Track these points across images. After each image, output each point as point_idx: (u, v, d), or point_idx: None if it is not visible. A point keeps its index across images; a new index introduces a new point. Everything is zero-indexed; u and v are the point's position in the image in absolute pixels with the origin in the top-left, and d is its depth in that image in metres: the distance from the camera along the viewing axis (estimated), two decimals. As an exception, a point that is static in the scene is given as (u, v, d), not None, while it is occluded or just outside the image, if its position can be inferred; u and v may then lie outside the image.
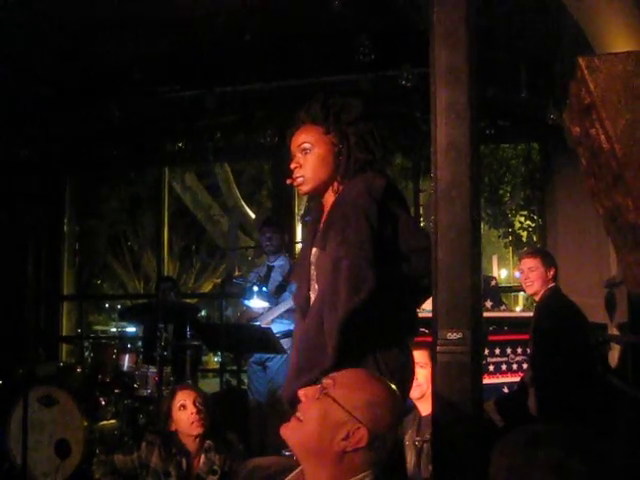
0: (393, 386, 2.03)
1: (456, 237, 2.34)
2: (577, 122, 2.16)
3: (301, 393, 2.00)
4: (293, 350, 2.69)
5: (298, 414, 1.96)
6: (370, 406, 1.90)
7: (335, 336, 2.37)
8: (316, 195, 2.83)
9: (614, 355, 6.12)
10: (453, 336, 2.31)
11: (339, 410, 1.88)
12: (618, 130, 1.91)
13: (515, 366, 5.38)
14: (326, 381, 1.97)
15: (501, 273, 16.03)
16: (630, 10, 4.18)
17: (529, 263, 4.92)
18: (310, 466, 1.93)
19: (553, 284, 4.86)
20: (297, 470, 2.03)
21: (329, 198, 2.75)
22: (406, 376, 2.57)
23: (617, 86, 1.94)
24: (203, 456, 3.84)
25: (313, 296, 2.68)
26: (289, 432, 1.96)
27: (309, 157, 2.72)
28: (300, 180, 2.73)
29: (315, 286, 2.69)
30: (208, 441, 3.87)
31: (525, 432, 1.67)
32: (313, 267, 2.74)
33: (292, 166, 2.75)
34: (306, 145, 2.72)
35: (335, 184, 2.73)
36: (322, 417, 1.90)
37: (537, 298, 4.93)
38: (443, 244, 2.35)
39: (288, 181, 2.79)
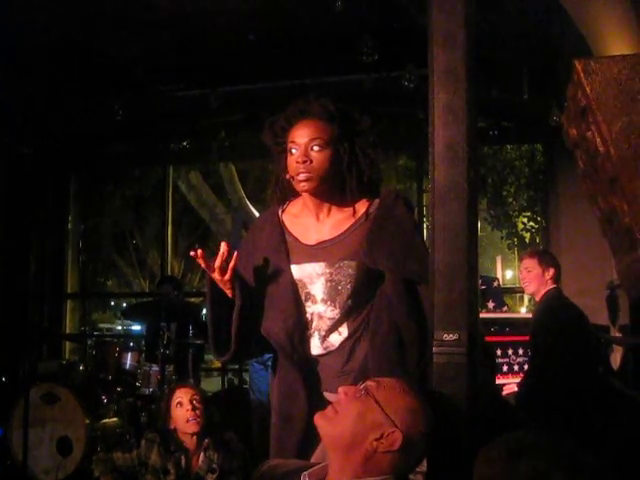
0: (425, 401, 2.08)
1: (453, 239, 2.33)
2: (574, 125, 2.16)
3: (341, 390, 2.03)
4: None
5: (336, 406, 2.01)
6: (408, 412, 1.96)
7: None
8: (313, 197, 2.62)
9: (616, 357, 6.11)
10: (449, 337, 2.31)
11: (378, 411, 1.94)
12: (613, 133, 1.91)
13: (516, 367, 5.39)
14: (370, 383, 2.02)
15: (506, 274, 16.09)
16: (626, 14, 4.19)
17: (526, 263, 4.92)
18: (337, 459, 1.98)
19: (553, 285, 4.82)
20: (321, 464, 2.09)
21: (332, 210, 2.65)
22: None
23: (613, 89, 1.94)
24: (202, 454, 3.85)
25: (315, 310, 2.66)
26: (324, 422, 2.01)
27: (321, 156, 2.52)
28: (308, 176, 2.51)
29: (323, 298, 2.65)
30: (207, 439, 3.87)
31: (508, 441, 1.66)
32: (320, 280, 2.63)
33: (301, 159, 2.51)
34: (320, 142, 2.53)
35: (335, 194, 2.62)
36: (360, 415, 1.95)
37: (537, 299, 4.92)
38: (440, 246, 2.35)
39: (288, 175, 2.60)
